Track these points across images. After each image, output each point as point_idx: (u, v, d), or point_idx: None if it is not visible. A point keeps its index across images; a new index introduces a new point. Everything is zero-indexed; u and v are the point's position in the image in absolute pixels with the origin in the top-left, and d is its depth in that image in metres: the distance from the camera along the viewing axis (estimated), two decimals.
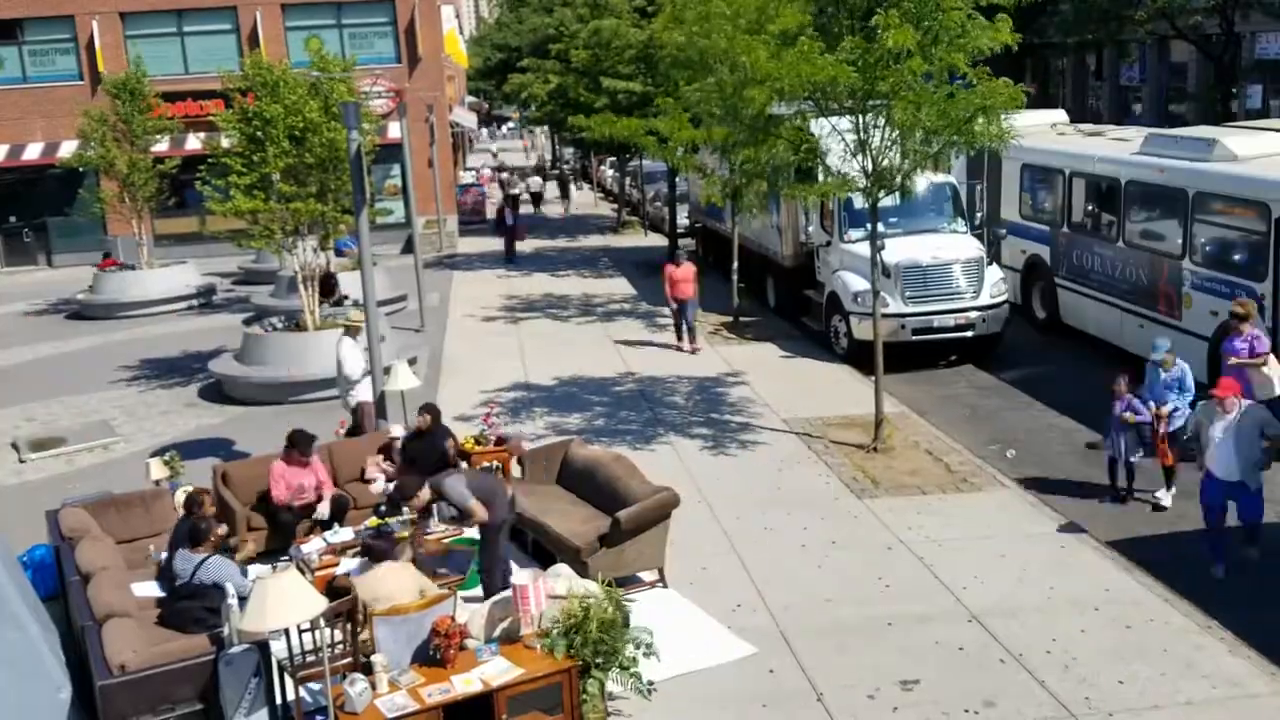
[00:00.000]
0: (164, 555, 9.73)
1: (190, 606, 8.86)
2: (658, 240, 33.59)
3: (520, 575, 8.30)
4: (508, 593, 8.36)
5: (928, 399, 16.14)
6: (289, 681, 8.00)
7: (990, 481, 12.68)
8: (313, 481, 11.33)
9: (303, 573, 8.78)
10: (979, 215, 20.05)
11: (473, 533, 10.15)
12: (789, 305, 21.32)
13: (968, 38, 12.17)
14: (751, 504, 12.25)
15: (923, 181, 15.30)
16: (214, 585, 8.83)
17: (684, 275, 19.70)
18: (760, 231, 21.76)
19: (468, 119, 56.03)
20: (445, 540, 10.51)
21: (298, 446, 11.28)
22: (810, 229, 19.93)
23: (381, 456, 11.96)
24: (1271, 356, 12.34)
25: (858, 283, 17.61)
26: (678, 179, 28.68)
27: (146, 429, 16.55)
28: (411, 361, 16.78)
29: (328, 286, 20.61)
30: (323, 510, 11.23)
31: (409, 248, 27.52)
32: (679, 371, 18.19)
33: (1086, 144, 18.87)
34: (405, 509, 10.38)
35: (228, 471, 11.89)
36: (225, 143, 17.81)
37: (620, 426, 15.33)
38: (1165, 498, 11.89)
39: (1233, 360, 12.24)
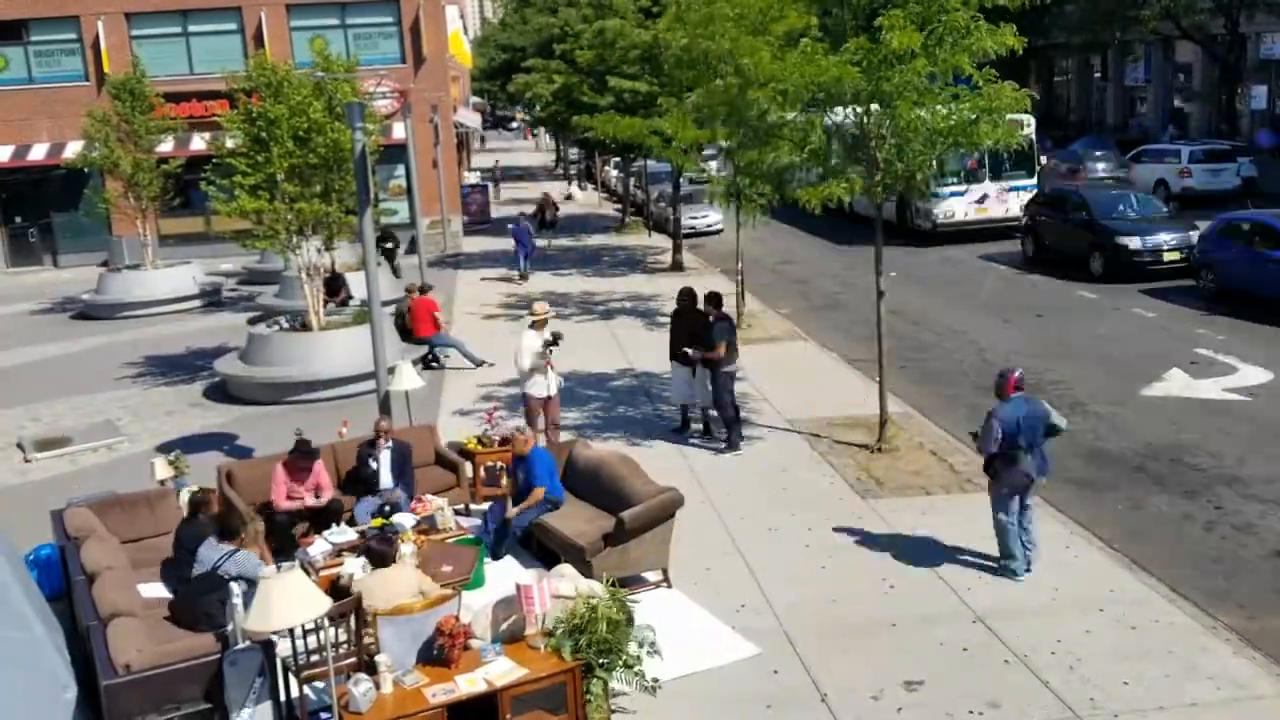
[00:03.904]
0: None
1: (207, 600, 8.86)
2: (661, 240, 33.61)
3: (524, 575, 8.31)
4: (511, 592, 8.37)
5: (932, 399, 16.13)
6: (293, 681, 8.02)
7: None
8: (312, 485, 11.36)
9: (308, 573, 8.81)
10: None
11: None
12: None
13: (972, 39, 12.16)
14: (756, 504, 12.25)
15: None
16: (236, 577, 8.89)
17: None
18: None
19: (472, 119, 56.03)
20: (449, 540, 10.55)
21: (300, 455, 11.34)
22: None
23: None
24: None
25: None
26: (681, 179, 28.67)
27: (151, 429, 16.58)
28: (416, 362, 16.82)
29: (333, 286, 20.66)
30: (310, 501, 11.29)
31: (413, 248, 27.55)
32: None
33: None
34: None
35: (232, 471, 11.91)
36: (230, 143, 17.84)
37: (622, 424, 15.34)
38: None
39: None
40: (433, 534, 10.62)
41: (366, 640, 8.08)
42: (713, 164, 21.80)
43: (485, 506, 11.85)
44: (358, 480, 11.76)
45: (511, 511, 10.89)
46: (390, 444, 11.85)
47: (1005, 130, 12.59)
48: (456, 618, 8.01)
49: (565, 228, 38.87)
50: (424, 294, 19.82)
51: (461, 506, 11.93)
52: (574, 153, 58.47)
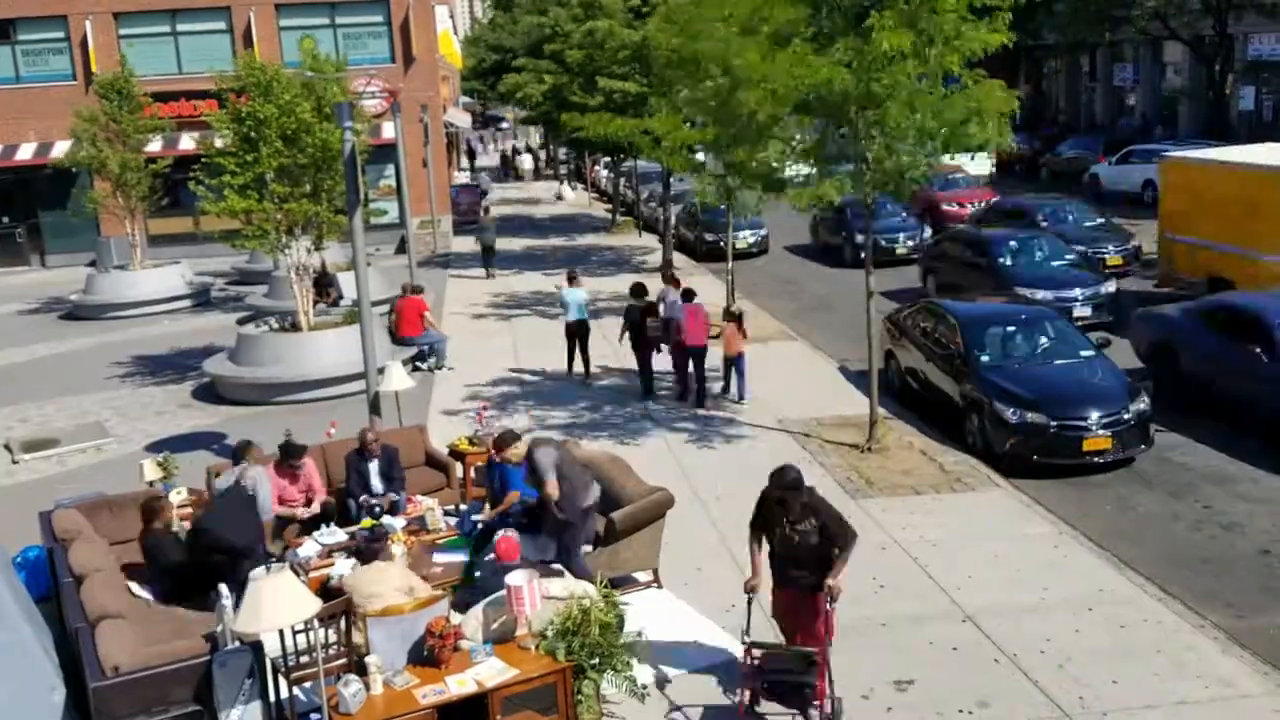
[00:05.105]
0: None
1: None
2: (651, 240, 33.59)
3: (515, 576, 8.30)
4: (501, 593, 8.36)
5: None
6: (283, 682, 8.00)
7: (984, 482, 12.70)
8: (303, 488, 11.31)
9: (298, 575, 8.78)
10: None
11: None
12: None
13: (962, 39, 12.17)
14: (745, 504, 12.14)
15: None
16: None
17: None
18: None
19: (462, 119, 55.96)
20: (440, 540, 10.53)
21: (287, 457, 11.28)
22: None
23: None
24: None
25: None
26: (671, 179, 28.66)
27: (140, 430, 16.52)
28: (406, 362, 16.78)
29: (323, 286, 20.60)
30: (302, 514, 11.23)
31: (403, 247, 27.50)
32: (672, 369, 18.17)
33: None
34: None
35: (221, 472, 11.86)
36: (219, 143, 17.79)
37: (611, 424, 15.34)
38: None
39: None
40: (423, 535, 10.61)
41: (356, 641, 8.07)
42: (700, 156, 21.73)
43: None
44: (349, 485, 11.69)
45: (487, 515, 10.79)
46: (379, 450, 11.76)
47: (995, 130, 12.57)
48: (447, 618, 8.01)
49: (555, 228, 38.86)
50: (416, 294, 19.74)
51: (452, 507, 11.91)
52: (564, 153, 58.42)
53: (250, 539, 9.50)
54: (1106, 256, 22.19)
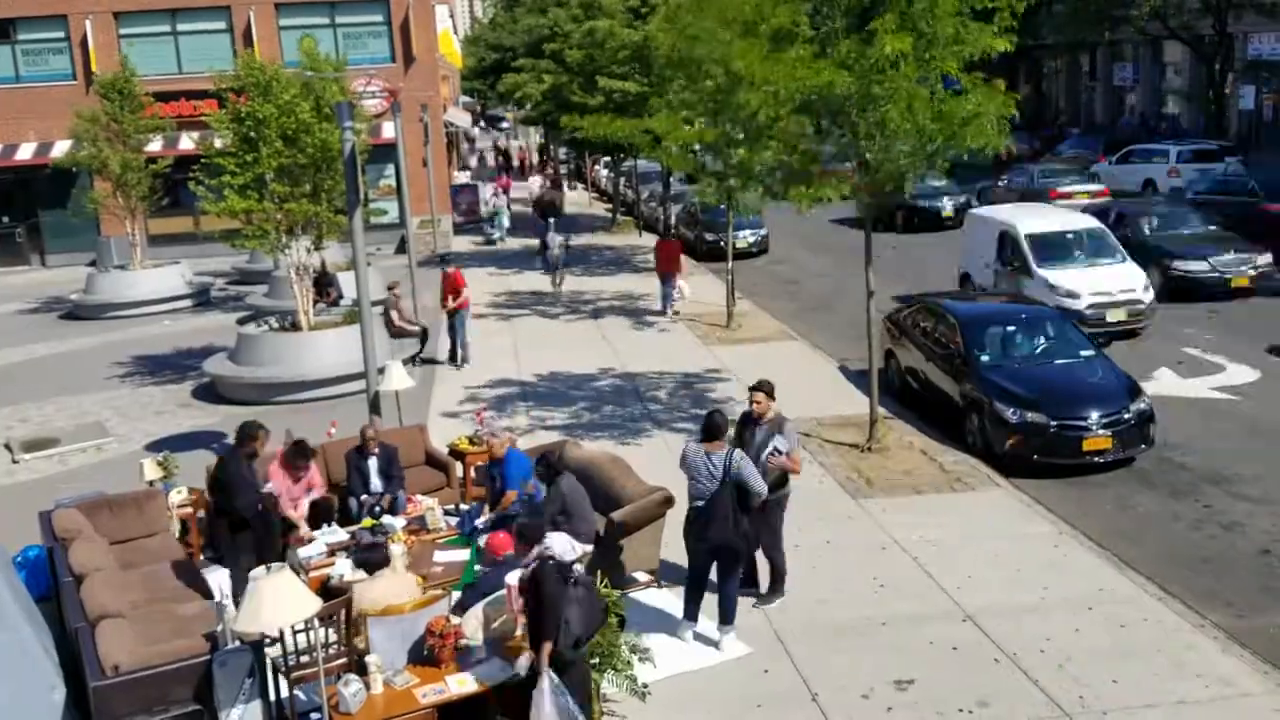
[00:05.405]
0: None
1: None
2: (651, 239, 33.60)
3: (514, 575, 8.30)
4: (501, 593, 8.36)
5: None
6: (283, 682, 8.00)
7: (984, 481, 12.70)
8: (305, 486, 11.26)
9: (298, 574, 8.79)
10: None
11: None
12: None
13: (962, 44, 12.17)
14: None
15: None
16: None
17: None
18: None
19: (462, 119, 55.94)
20: (439, 541, 10.53)
21: (296, 456, 11.05)
22: None
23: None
24: None
25: None
26: (671, 178, 28.71)
27: (140, 429, 16.52)
28: (406, 361, 16.77)
29: (323, 286, 20.60)
30: (296, 514, 10.97)
31: (403, 247, 27.49)
32: (672, 369, 18.20)
33: None
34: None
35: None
36: (219, 143, 17.80)
37: (611, 424, 15.34)
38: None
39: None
40: (423, 534, 10.60)
41: (356, 641, 8.07)
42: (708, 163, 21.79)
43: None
44: (349, 484, 11.68)
45: (485, 518, 10.77)
46: (377, 448, 11.75)
47: (993, 134, 12.53)
48: (447, 618, 8.01)
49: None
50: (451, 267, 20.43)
51: (452, 506, 11.91)
52: (563, 152, 58.42)
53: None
54: None
